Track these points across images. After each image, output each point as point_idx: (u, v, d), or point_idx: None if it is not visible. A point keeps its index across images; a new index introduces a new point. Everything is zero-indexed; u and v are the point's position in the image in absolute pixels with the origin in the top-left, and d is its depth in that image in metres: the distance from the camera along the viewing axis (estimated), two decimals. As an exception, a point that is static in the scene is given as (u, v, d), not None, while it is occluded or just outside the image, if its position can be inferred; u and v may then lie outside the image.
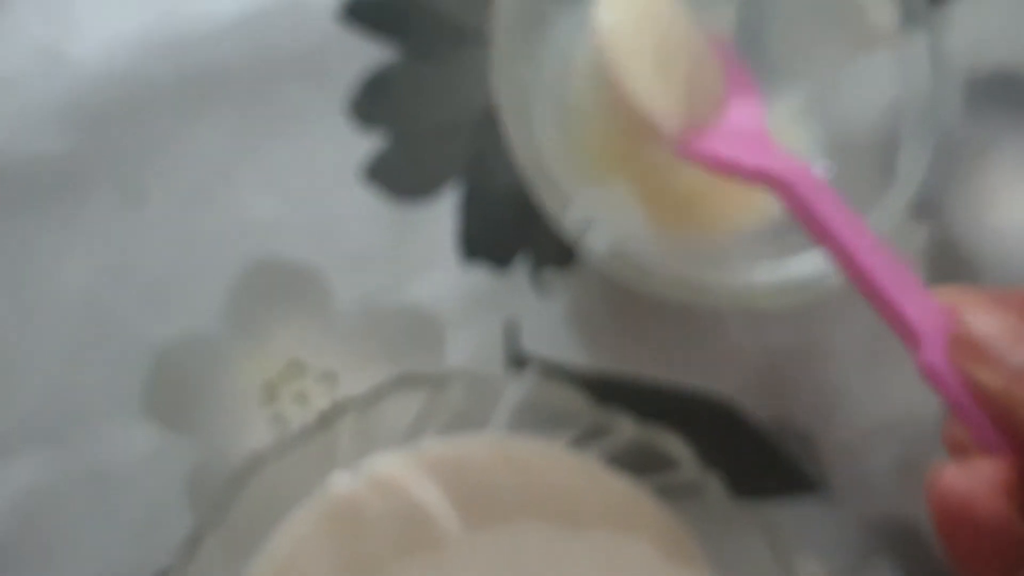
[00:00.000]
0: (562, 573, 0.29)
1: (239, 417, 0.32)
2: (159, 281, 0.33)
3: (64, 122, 0.33)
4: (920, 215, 0.30)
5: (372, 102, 0.34)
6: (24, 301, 0.33)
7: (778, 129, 0.30)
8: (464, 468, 0.29)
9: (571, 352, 0.33)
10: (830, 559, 0.32)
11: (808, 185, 0.26)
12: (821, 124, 0.31)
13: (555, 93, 0.31)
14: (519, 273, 0.34)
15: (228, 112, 0.34)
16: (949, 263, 0.34)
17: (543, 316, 0.34)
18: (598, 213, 0.28)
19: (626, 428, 0.28)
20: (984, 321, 0.22)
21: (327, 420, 0.27)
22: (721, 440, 0.32)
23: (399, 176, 0.34)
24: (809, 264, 0.28)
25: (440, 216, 0.34)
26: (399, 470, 0.29)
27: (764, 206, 0.30)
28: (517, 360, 0.33)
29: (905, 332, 0.23)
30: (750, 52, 0.32)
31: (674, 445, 0.27)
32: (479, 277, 0.34)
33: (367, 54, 0.34)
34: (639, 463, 0.29)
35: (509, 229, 0.34)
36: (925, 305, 0.23)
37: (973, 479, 0.21)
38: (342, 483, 0.29)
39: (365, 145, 0.34)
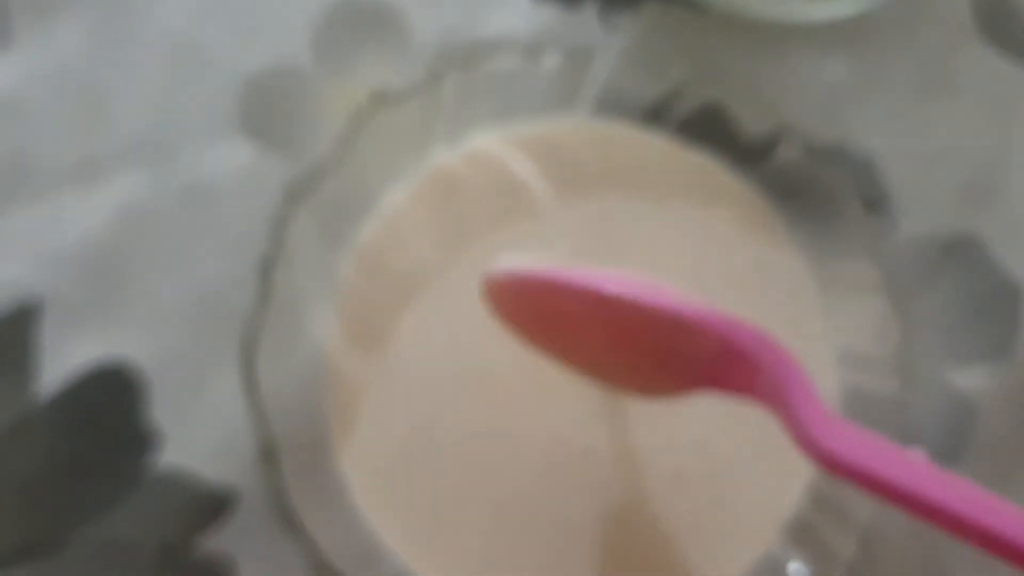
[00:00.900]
0: (646, 240, 0.31)
1: (330, 139, 0.34)
2: (249, 18, 0.35)
3: None
4: None
5: None
6: (122, 38, 0.35)
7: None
8: (554, 145, 0.31)
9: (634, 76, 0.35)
10: (892, 275, 0.34)
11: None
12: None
13: None
14: (588, 10, 0.36)
15: None
16: None
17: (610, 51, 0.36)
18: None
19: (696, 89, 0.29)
20: None
21: (435, 74, 0.29)
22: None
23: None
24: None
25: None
26: (495, 146, 0.31)
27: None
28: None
29: None
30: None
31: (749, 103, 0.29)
32: (550, 12, 0.36)
33: None
34: (709, 133, 0.31)
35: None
36: None
37: None
38: (441, 156, 0.31)
39: None
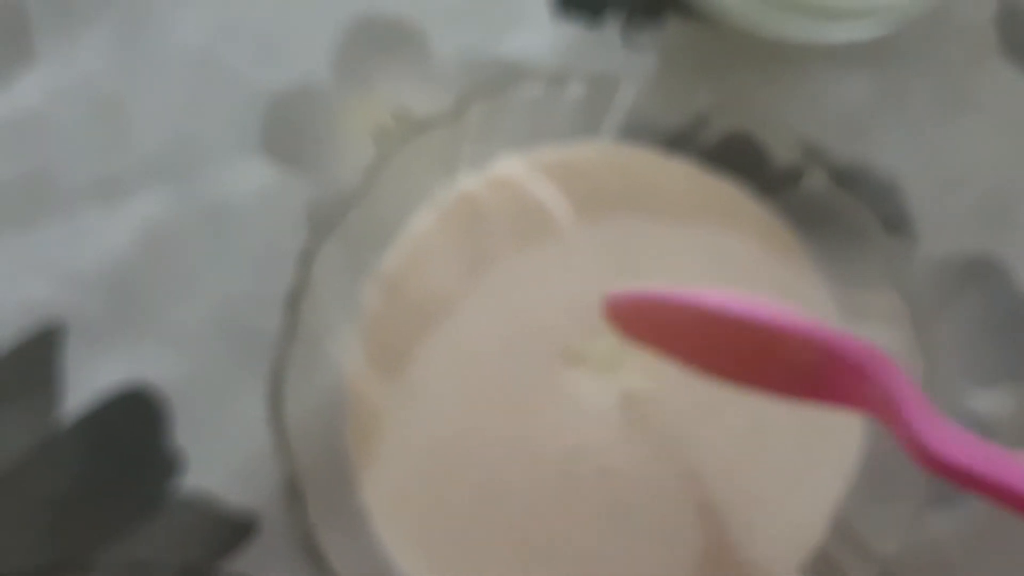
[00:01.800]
0: (668, 264, 0.31)
1: (353, 157, 0.34)
2: (269, 37, 0.35)
3: None
4: None
5: None
6: (144, 56, 0.35)
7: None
8: (577, 170, 0.31)
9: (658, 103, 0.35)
10: (914, 299, 0.34)
11: None
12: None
13: None
14: (610, 28, 0.36)
15: None
16: None
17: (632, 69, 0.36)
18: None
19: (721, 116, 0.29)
20: None
21: (462, 104, 0.29)
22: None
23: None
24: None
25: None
26: (518, 170, 0.31)
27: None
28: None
29: None
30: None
31: (775, 132, 0.29)
32: (571, 31, 0.36)
33: None
34: (734, 162, 0.31)
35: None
36: None
37: None
38: (466, 182, 0.31)
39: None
